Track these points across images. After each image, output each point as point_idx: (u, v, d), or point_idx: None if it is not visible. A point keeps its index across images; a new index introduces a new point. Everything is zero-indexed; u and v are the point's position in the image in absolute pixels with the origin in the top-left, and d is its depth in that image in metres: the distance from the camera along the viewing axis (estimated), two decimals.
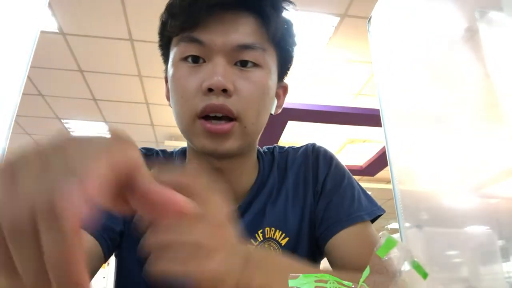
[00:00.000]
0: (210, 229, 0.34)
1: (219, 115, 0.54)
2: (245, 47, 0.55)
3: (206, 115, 0.54)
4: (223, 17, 0.55)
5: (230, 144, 0.55)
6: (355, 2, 2.68)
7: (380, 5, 1.53)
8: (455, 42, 1.07)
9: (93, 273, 0.55)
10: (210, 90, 0.53)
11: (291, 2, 0.60)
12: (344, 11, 2.76)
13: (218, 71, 0.53)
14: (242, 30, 0.56)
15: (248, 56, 0.56)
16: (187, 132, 0.57)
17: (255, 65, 0.57)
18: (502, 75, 0.89)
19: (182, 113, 0.56)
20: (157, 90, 3.77)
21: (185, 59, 0.56)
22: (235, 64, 0.56)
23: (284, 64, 0.64)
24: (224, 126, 0.54)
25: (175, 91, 0.57)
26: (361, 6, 2.69)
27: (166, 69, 0.64)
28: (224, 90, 0.53)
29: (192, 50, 0.55)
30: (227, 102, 0.54)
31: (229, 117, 0.54)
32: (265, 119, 0.60)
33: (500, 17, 0.93)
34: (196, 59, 0.56)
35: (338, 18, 2.82)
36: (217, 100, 0.53)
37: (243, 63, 0.56)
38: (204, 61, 0.56)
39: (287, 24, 0.61)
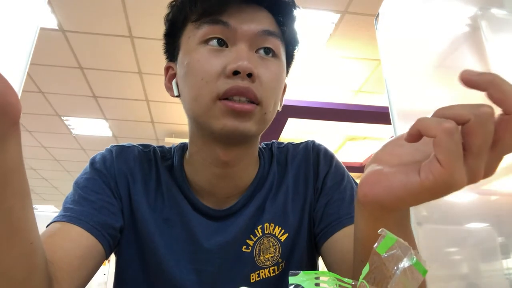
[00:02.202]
0: None
1: (243, 98, 0.53)
2: (269, 33, 0.57)
3: (228, 97, 0.53)
4: (245, 8, 0.57)
5: (251, 125, 0.55)
6: None
7: (387, 2, 1.52)
8: (457, 39, 1.07)
9: (94, 270, 0.56)
10: (235, 73, 0.53)
11: None
12: (345, 8, 2.75)
13: (243, 55, 0.54)
14: (264, 20, 0.58)
15: (270, 43, 0.57)
16: (204, 114, 0.55)
17: (274, 55, 0.58)
18: (504, 72, 0.88)
19: (201, 95, 0.55)
20: (157, 87, 3.77)
21: (206, 41, 0.56)
22: (256, 52, 0.57)
23: (288, 61, 0.64)
24: (248, 106, 0.54)
25: (193, 73, 0.56)
26: (361, 3, 2.68)
27: (170, 58, 0.64)
28: (249, 75, 0.53)
29: (217, 32, 0.56)
30: (252, 86, 0.54)
31: (251, 101, 0.54)
32: (275, 112, 0.60)
33: (502, 14, 0.93)
34: (220, 42, 0.56)
35: (339, 15, 2.82)
36: (242, 83, 0.53)
37: (265, 51, 0.57)
38: (227, 47, 0.56)
39: (295, 22, 0.62)
